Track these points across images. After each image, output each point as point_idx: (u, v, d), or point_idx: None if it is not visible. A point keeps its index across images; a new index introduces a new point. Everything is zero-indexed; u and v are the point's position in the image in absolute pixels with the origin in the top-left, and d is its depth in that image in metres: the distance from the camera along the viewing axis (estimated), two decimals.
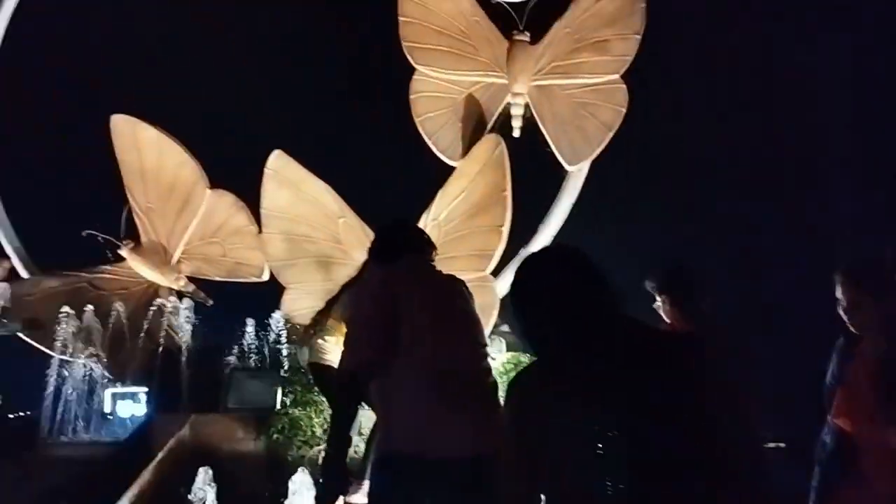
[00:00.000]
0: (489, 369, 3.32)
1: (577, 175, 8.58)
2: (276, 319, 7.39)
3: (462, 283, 3.51)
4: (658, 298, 4.00)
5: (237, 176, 8.67)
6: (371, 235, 7.95)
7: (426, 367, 3.10)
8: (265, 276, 8.43)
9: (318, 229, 8.34)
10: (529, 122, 8.63)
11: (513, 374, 7.43)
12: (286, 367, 6.85)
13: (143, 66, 9.08)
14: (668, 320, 3.97)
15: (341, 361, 3.25)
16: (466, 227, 7.83)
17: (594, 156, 8.49)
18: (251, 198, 8.34)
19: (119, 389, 8.00)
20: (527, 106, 8.61)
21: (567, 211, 8.53)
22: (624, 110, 8.45)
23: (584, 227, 8.51)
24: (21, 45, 9.21)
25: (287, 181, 8.24)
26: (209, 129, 8.88)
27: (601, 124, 8.50)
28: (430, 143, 8.50)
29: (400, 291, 3.22)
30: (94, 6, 9.31)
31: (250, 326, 7.32)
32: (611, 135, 8.45)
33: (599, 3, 8.59)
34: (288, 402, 6.57)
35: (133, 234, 8.55)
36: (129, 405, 8.13)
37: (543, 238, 8.43)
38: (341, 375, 3.25)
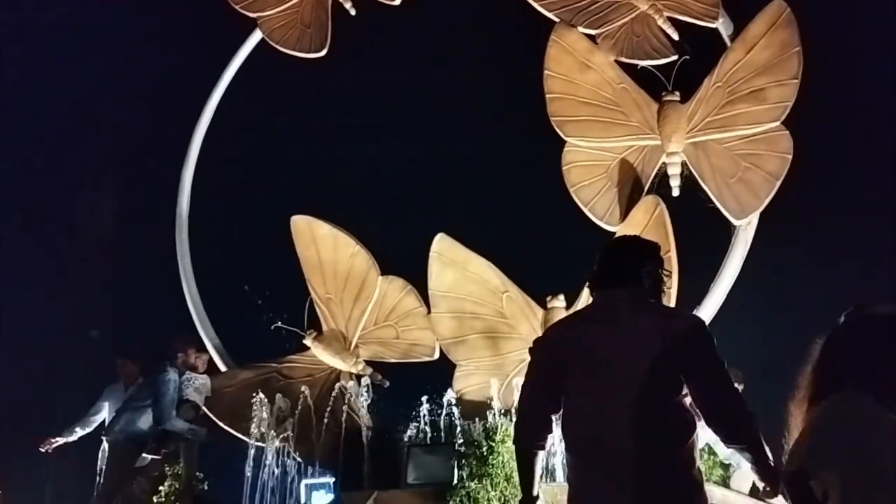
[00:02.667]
0: (679, 450, 2.91)
1: (746, 229, 8.23)
2: (449, 396, 7.52)
3: (670, 322, 3.13)
4: None
5: (404, 261, 9.09)
6: (535, 309, 8.18)
7: (576, 446, 2.97)
8: (436, 355, 8.68)
9: (483, 305, 8.55)
10: (689, 181, 8.46)
11: None
12: (460, 442, 6.92)
13: (313, 165, 9.91)
14: None
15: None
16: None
17: (762, 207, 8.13)
18: (419, 281, 8.72)
19: (312, 480, 8.38)
20: (684, 164, 8.47)
21: (739, 266, 8.16)
22: (790, 157, 8.07)
23: (757, 282, 8.10)
24: (214, 156, 10.39)
25: (451, 262, 8.57)
26: (375, 219, 9.45)
27: (767, 174, 8.14)
28: (586, 210, 8.52)
29: (568, 343, 3.06)
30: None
31: (425, 404, 7.49)
32: (778, 184, 8.07)
33: (750, 54, 8.39)
34: (465, 476, 6.61)
35: (315, 324, 9.11)
36: (322, 496, 8.50)
37: (716, 297, 8.09)
38: (513, 435, 3.29)
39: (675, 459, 2.93)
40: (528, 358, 7.84)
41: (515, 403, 6.79)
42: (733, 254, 8.17)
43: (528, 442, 3.19)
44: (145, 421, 8.34)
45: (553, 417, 3.15)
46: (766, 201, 8.08)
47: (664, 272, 3.34)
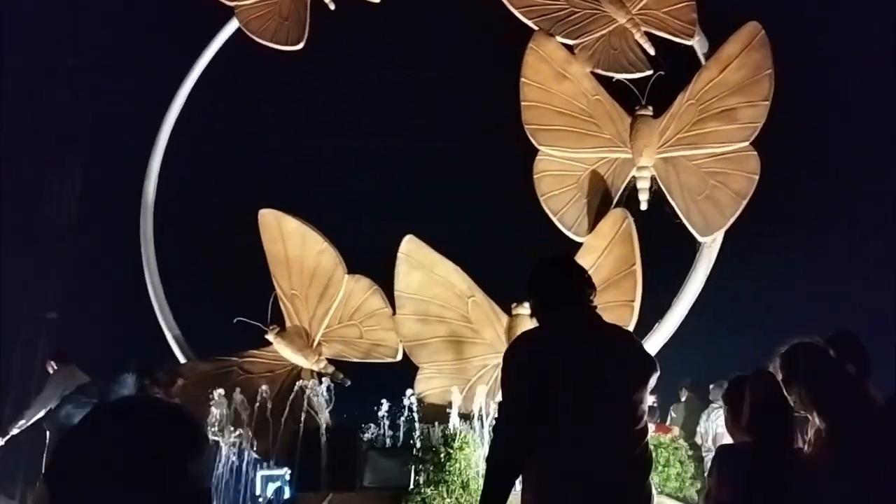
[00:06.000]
0: (644, 461, 3.00)
1: (711, 246, 8.34)
2: (409, 398, 7.51)
3: (631, 342, 3.25)
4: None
5: (372, 261, 9.06)
6: (500, 315, 8.20)
7: (563, 461, 2.90)
8: (399, 357, 8.66)
9: (448, 309, 8.55)
10: (657, 195, 8.55)
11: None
12: (419, 447, 6.92)
13: (283, 157, 9.83)
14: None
15: (494, 434, 3.03)
16: (596, 303, 7.73)
17: (727, 226, 8.24)
18: (385, 281, 8.70)
19: (268, 472, 8.32)
20: (653, 179, 8.55)
21: (702, 283, 8.27)
22: (757, 178, 8.20)
23: (721, 299, 8.21)
24: (184, 143, 10.24)
25: (418, 264, 8.55)
26: (344, 216, 9.41)
27: (734, 193, 8.26)
28: (555, 220, 8.57)
29: (550, 359, 3.00)
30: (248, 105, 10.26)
31: (385, 406, 7.47)
32: (744, 203, 8.19)
33: (723, 74, 8.51)
34: (421, 482, 6.61)
35: (278, 320, 9.03)
36: (277, 487, 8.45)
37: (678, 312, 8.19)
38: (494, 453, 3.01)
39: (647, 483, 3.02)
40: (490, 363, 7.90)
41: (491, 417, 6.81)
42: (697, 270, 8.27)
43: (514, 460, 2.94)
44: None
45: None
46: (732, 220, 8.20)
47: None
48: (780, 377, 3.56)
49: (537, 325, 3.38)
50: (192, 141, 10.49)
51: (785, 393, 3.46)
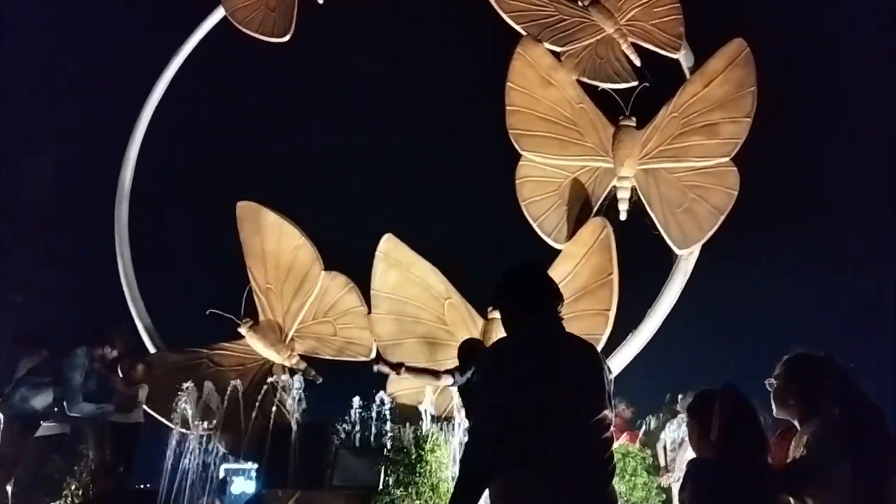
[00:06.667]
0: (611, 472, 2.99)
1: (687, 259, 8.41)
2: (381, 398, 7.48)
3: (595, 354, 3.21)
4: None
5: (350, 258, 9.02)
6: (476, 319, 8.19)
7: (539, 474, 2.87)
8: (373, 356, 8.62)
9: (424, 310, 8.54)
10: (637, 207, 8.60)
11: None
12: (389, 447, 6.89)
13: (265, 150, 9.74)
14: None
15: (466, 447, 3.01)
16: (572, 310, 7.75)
17: (705, 240, 8.31)
18: (362, 279, 8.65)
19: (233, 465, 8.24)
20: (634, 190, 8.60)
21: (677, 294, 8.32)
22: (735, 193, 8.27)
23: (696, 311, 8.28)
24: (164, 131, 10.10)
25: (396, 263, 8.53)
26: (323, 212, 9.35)
27: (712, 207, 8.33)
28: (535, 226, 8.58)
29: (521, 371, 2.96)
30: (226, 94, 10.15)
31: (356, 405, 7.43)
32: (722, 218, 8.26)
33: (707, 88, 8.58)
34: (391, 482, 6.58)
35: (252, 313, 8.95)
36: (242, 482, 8.36)
37: (653, 323, 8.24)
38: (464, 464, 2.95)
39: (612, 489, 3.03)
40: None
41: (462, 420, 6.77)
42: (673, 282, 8.32)
43: (487, 466, 2.90)
44: (41, 400, 7.88)
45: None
46: (710, 234, 8.26)
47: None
48: (781, 382, 3.62)
49: (504, 334, 3.36)
50: (173, 129, 10.36)
51: (753, 407, 3.52)
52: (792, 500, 3.38)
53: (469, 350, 6.44)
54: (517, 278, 3.35)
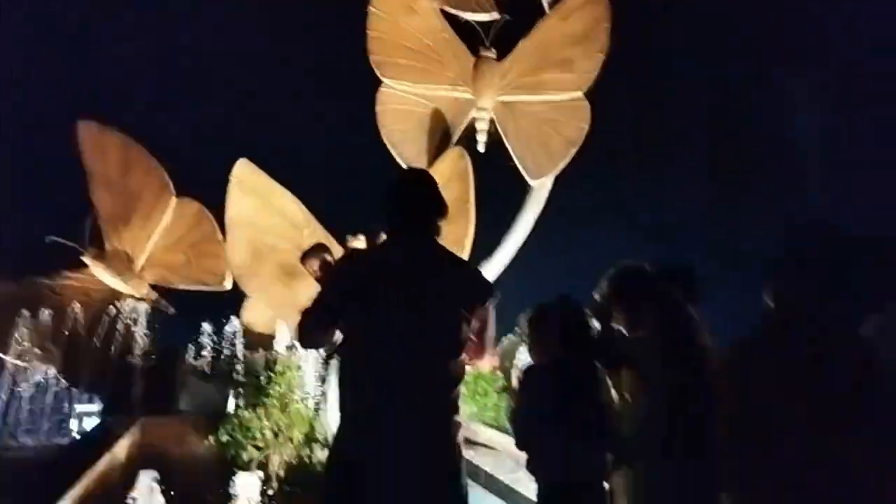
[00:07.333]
0: (449, 381, 2.99)
1: (540, 189, 8.66)
2: (234, 325, 7.34)
3: (460, 266, 3.25)
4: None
5: (203, 184, 8.69)
6: (335, 247, 8.12)
7: (365, 366, 2.97)
8: (228, 285, 8.41)
9: (283, 239, 8.34)
10: (494, 137, 8.74)
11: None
12: (239, 371, 6.80)
13: (112, 69, 9.15)
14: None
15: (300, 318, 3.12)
16: (441, 226, 7.82)
17: (557, 171, 8.59)
18: (217, 206, 8.36)
19: (85, 408, 7.92)
20: (492, 121, 8.72)
21: (531, 224, 8.60)
22: (586, 127, 8.56)
23: (547, 240, 8.58)
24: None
25: (252, 190, 8.26)
26: (176, 136, 8.92)
27: (565, 140, 8.60)
28: (395, 154, 8.56)
29: (368, 274, 3.04)
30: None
31: (206, 330, 7.27)
32: (574, 151, 8.55)
33: (565, 23, 8.76)
34: (241, 405, 6.52)
35: (97, 241, 8.49)
36: (85, 409, 8.05)
37: (507, 251, 8.48)
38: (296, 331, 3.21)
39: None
40: None
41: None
42: (526, 211, 8.58)
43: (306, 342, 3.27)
44: None
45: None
46: (562, 165, 8.54)
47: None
48: (606, 298, 3.80)
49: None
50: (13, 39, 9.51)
51: (586, 315, 3.72)
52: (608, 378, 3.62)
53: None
54: (396, 188, 3.33)
